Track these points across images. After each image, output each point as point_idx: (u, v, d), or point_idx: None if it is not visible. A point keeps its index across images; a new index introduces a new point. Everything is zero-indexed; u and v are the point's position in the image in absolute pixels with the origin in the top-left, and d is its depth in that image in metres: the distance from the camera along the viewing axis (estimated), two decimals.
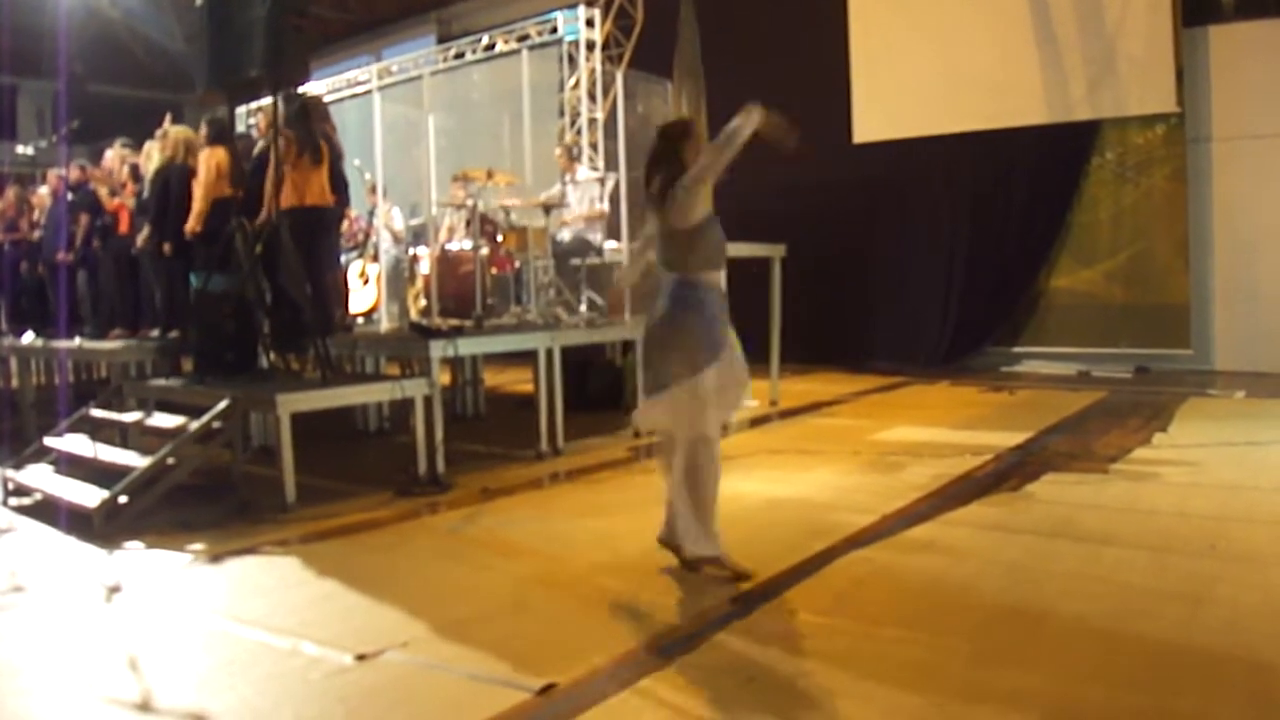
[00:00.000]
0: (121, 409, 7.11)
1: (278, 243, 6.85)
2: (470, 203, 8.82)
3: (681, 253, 4.34)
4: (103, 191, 9.16)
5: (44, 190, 10.52)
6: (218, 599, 4.31)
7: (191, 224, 7.42)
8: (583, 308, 8.90)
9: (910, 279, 12.76)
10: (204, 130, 7.62)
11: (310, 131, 7.23)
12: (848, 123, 12.96)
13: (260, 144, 7.81)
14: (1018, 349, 12.44)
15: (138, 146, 8.94)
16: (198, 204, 7.41)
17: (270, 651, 3.63)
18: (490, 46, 11.43)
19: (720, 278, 4.43)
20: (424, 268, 9.28)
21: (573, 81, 11.29)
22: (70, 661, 3.60)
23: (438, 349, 6.74)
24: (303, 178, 7.13)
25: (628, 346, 9.00)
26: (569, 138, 10.76)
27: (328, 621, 3.93)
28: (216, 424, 6.02)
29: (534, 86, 10.35)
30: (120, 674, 3.44)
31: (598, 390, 9.38)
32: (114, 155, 9.16)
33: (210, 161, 7.43)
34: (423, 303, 9.17)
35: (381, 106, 9.47)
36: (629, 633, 3.69)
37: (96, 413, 7.07)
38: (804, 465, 6.82)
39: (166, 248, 7.87)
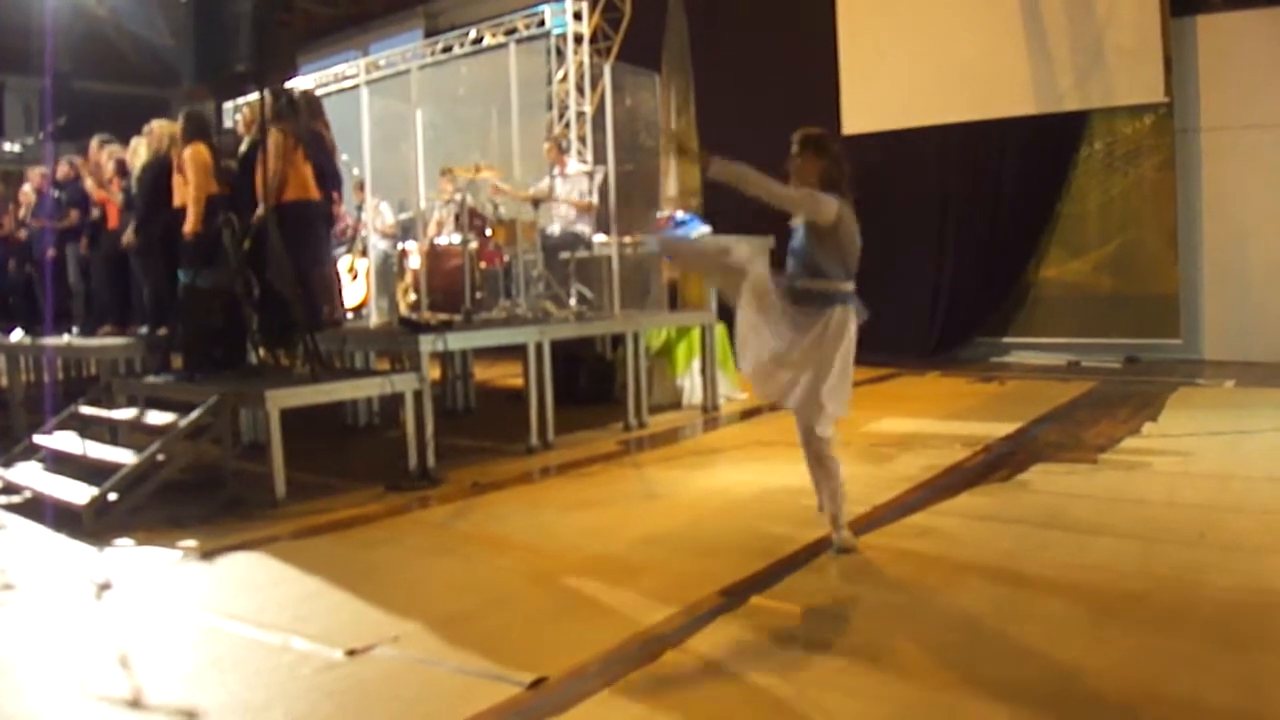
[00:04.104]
0: (110, 406, 7.08)
1: (266, 238, 6.83)
2: (459, 197, 8.80)
3: None
4: (89, 184, 9.11)
5: (28, 188, 10.46)
6: (208, 595, 4.30)
7: (191, 224, 7.30)
8: (572, 301, 8.89)
9: (899, 270, 12.73)
10: (181, 125, 7.54)
11: (299, 123, 7.21)
12: (836, 115, 12.95)
13: (246, 140, 7.77)
14: (1007, 340, 12.46)
15: (121, 142, 8.89)
16: (193, 205, 7.32)
17: (261, 647, 3.62)
18: (478, 40, 11.41)
19: None
20: (413, 262, 9.26)
21: (561, 75, 11.27)
22: (61, 659, 3.59)
23: (427, 344, 6.73)
24: (298, 172, 7.10)
25: (617, 340, 8.99)
26: (557, 131, 10.75)
27: (318, 617, 3.93)
28: (206, 420, 6.01)
29: (522, 80, 10.31)
30: (111, 671, 3.43)
31: (588, 384, 9.38)
32: (93, 152, 9.11)
33: (197, 161, 7.36)
34: (412, 297, 9.15)
35: (369, 101, 9.43)
36: (619, 626, 3.69)
37: (85, 410, 7.04)
38: (795, 457, 6.76)
39: (149, 241, 7.83)
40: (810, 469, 4.81)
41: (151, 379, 7.11)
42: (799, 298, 4.62)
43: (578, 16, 10.95)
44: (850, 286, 4.69)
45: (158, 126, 8.02)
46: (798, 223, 4.69)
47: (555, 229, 9.33)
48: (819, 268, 4.62)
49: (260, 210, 7.03)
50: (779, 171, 4.68)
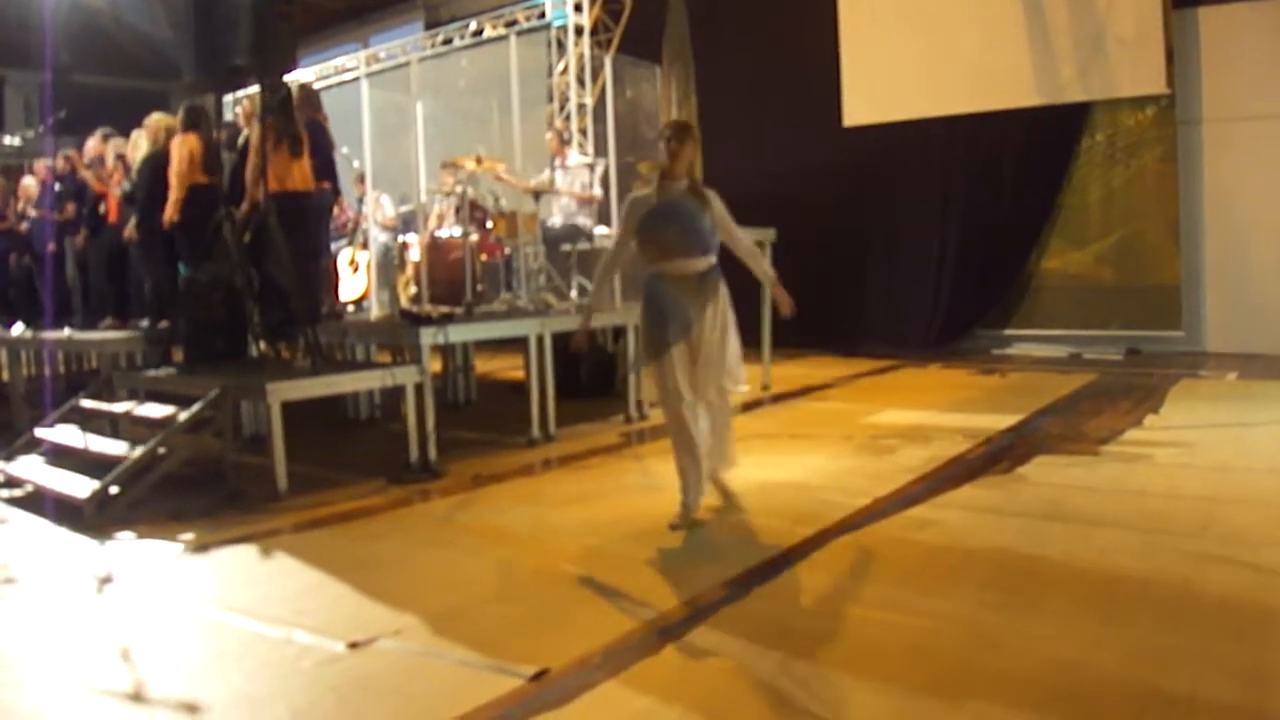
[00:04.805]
0: (111, 399, 7.08)
1: (266, 231, 6.82)
2: (460, 189, 8.79)
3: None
4: (88, 176, 9.10)
5: (29, 181, 10.45)
6: (209, 588, 4.30)
7: (169, 213, 7.38)
8: (573, 294, 8.88)
9: (901, 262, 12.76)
10: (180, 117, 7.57)
11: (290, 119, 7.19)
12: (838, 106, 12.94)
13: (244, 133, 7.76)
14: (1009, 331, 12.45)
15: (122, 135, 8.88)
16: (174, 192, 7.36)
17: (262, 640, 3.62)
18: (478, 32, 11.41)
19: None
20: (414, 255, 9.26)
21: (561, 67, 11.26)
22: (62, 652, 3.59)
23: (428, 336, 6.73)
24: (283, 165, 7.08)
25: (619, 333, 8.99)
26: (558, 123, 10.73)
27: (320, 610, 3.93)
28: (207, 413, 6.00)
29: (522, 72, 10.28)
30: (112, 664, 3.43)
31: (589, 376, 9.37)
32: (94, 145, 9.10)
33: (182, 150, 7.36)
34: (413, 290, 9.14)
35: (369, 94, 9.41)
36: (621, 619, 3.69)
37: (87, 403, 7.05)
38: (796, 449, 6.82)
39: (148, 233, 7.85)
40: (715, 435, 5.09)
41: (152, 372, 7.11)
42: (698, 279, 4.90)
43: (578, 8, 10.94)
44: None
45: (155, 119, 8.01)
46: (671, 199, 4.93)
47: (556, 221, 9.32)
48: (712, 245, 4.95)
49: (245, 204, 7.03)
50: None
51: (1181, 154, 11.22)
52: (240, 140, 7.72)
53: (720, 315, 4.91)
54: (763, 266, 5.22)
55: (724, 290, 4.97)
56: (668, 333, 4.84)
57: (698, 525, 4.98)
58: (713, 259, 4.94)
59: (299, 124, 7.30)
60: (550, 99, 11.28)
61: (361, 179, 10.03)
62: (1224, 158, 10.98)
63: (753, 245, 5.15)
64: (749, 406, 8.77)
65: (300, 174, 7.21)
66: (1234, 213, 10.94)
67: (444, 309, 7.83)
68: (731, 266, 8.48)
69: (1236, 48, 10.77)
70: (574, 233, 9.24)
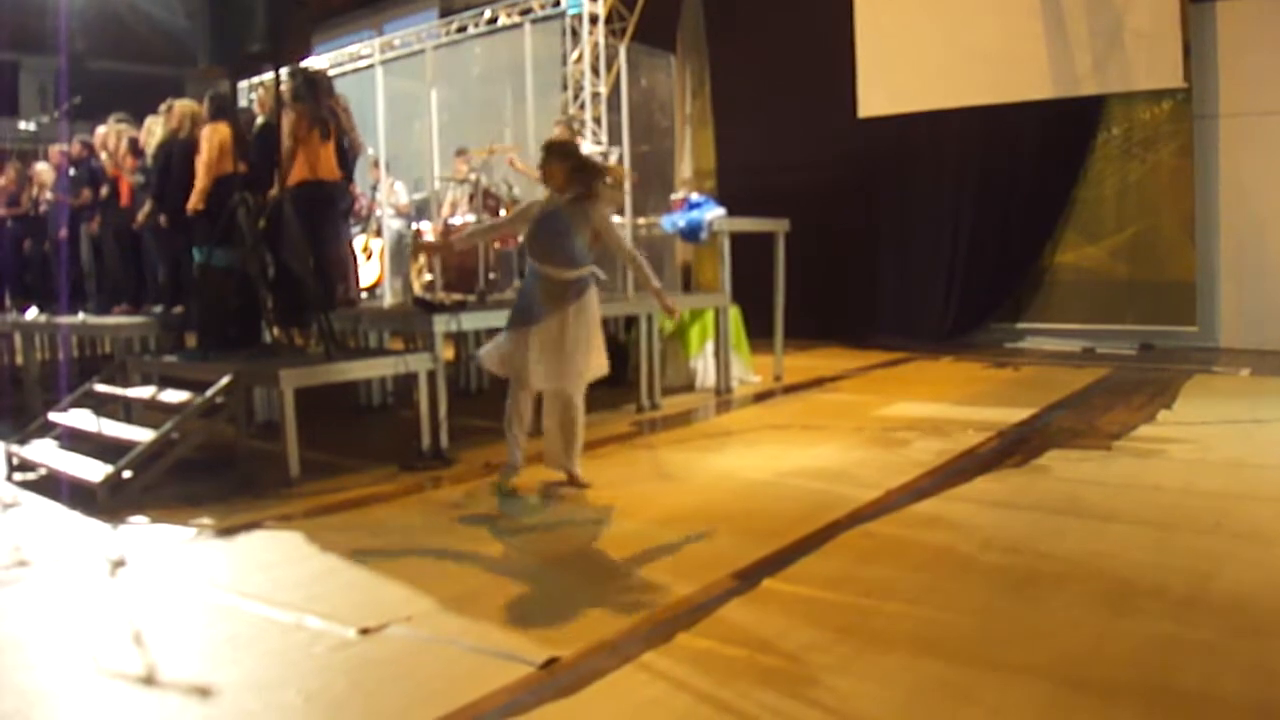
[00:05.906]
0: (125, 384, 7.11)
1: (282, 218, 6.83)
2: (473, 177, 8.79)
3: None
4: (104, 158, 9.11)
5: (42, 166, 10.47)
6: (222, 573, 4.31)
7: (194, 202, 7.37)
8: None
9: (915, 254, 12.73)
10: (206, 105, 7.58)
11: (319, 106, 7.20)
12: (853, 97, 12.90)
13: (260, 119, 7.76)
14: (1022, 325, 12.42)
15: (136, 122, 8.89)
16: (200, 181, 7.35)
17: (274, 626, 3.64)
18: (493, 20, 11.37)
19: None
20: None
21: (575, 55, 11.22)
22: (75, 636, 3.61)
23: (441, 324, 6.73)
24: (312, 152, 7.09)
25: (630, 322, 8.98)
26: (572, 111, 10.71)
27: (331, 596, 3.94)
28: (220, 399, 6.02)
29: (536, 60, 10.27)
30: (125, 648, 3.44)
31: None
32: (109, 130, 9.11)
33: (214, 139, 7.36)
34: (426, 278, 9.15)
35: (383, 81, 9.42)
36: (632, 607, 3.69)
37: (100, 388, 7.07)
38: (808, 440, 6.82)
39: (163, 220, 7.86)
40: (558, 434, 5.52)
41: (166, 357, 7.13)
42: (562, 285, 5.30)
43: None
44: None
45: (179, 106, 8.01)
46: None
47: None
48: (577, 260, 5.34)
49: (274, 190, 7.04)
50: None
51: (1197, 149, 11.16)
52: (256, 126, 7.72)
53: (574, 322, 5.29)
54: (644, 274, 5.51)
55: (588, 301, 5.36)
56: (517, 317, 5.39)
57: (513, 492, 5.54)
58: (580, 271, 5.35)
59: (325, 109, 7.32)
60: (564, 87, 11.26)
61: (376, 165, 10.04)
62: (1240, 153, 10.93)
63: (633, 253, 5.62)
64: (761, 397, 8.78)
65: (328, 161, 7.23)
66: (1250, 208, 10.89)
67: (457, 296, 7.84)
68: (743, 260, 8.50)
69: (1254, 42, 10.71)
70: None
